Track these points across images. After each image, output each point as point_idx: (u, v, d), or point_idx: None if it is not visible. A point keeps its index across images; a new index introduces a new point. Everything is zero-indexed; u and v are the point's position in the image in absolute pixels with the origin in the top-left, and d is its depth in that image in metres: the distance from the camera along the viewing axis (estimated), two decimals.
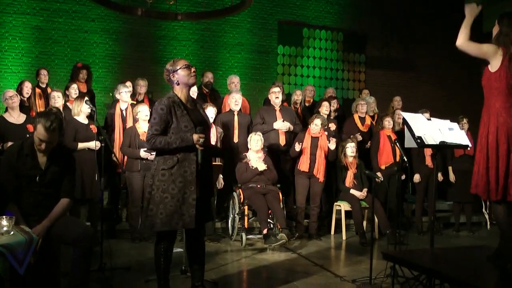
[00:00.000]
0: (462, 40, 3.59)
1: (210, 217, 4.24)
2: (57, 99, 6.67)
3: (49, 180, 3.71)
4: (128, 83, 7.64)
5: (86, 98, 5.73)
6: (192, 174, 3.71)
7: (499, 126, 3.54)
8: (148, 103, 7.10)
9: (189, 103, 3.92)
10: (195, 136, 3.69)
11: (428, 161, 7.44)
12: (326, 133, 7.04)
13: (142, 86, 7.71)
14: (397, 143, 6.09)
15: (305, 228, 7.10)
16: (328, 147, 6.93)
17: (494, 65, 3.58)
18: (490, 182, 3.56)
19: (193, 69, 3.89)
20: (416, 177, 7.54)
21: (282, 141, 7.11)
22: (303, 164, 6.85)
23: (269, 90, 7.43)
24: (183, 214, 3.68)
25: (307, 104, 8.48)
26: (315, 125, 6.90)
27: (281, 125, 7.12)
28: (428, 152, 7.36)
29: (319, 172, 6.87)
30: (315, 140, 6.91)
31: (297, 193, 6.95)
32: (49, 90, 7.41)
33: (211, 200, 4.27)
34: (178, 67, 3.85)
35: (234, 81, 8.04)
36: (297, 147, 6.78)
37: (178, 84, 3.88)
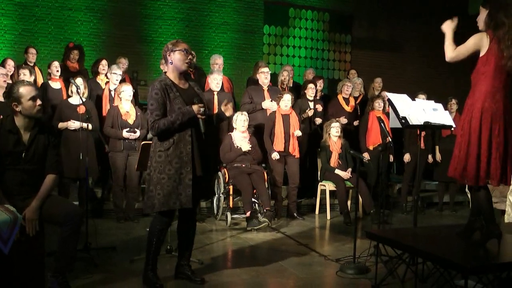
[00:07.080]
0: (450, 53, 3.60)
1: (209, 194, 4.28)
2: (24, 77, 6.19)
3: (32, 156, 3.64)
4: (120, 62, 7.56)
5: (75, 78, 5.68)
6: (188, 155, 3.75)
7: (484, 112, 3.52)
8: (129, 81, 7.03)
9: (182, 83, 3.92)
10: (195, 107, 3.74)
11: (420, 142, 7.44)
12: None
13: (124, 64, 7.61)
14: (383, 123, 6.14)
15: (285, 208, 7.08)
16: (299, 123, 6.93)
17: (482, 51, 3.58)
18: (468, 168, 3.56)
19: (189, 57, 3.88)
20: (406, 157, 7.55)
21: None
22: (278, 144, 6.78)
23: (256, 69, 7.32)
24: (180, 194, 3.74)
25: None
26: (286, 102, 6.84)
27: (269, 104, 7.07)
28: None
29: (295, 149, 6.84)
30: (286, 117, 6.85)
31: (275, 173, 6.84)
32: (36, 69, 7.28)
33: (210, 178, 4.29)
34: (177, 49, 3.84)
35: (218, 62, 7.73)
36: (275, 156, 6.75)
37: (171, 64, 3.86)
